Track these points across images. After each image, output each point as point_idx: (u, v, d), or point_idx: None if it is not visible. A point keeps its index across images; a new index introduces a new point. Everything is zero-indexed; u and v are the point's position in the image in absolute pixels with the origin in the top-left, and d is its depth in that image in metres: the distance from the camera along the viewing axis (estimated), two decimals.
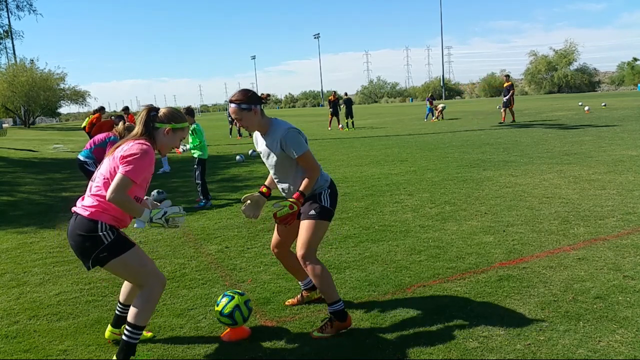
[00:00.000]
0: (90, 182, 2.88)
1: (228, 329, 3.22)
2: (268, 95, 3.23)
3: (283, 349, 3.02)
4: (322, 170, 3.32)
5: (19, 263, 5.08)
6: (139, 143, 2.76)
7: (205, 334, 3.27)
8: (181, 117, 2.95)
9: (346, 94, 24.61)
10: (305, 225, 3.21)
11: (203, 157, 7.49)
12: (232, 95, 3.13)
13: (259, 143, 3.32)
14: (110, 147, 6.79)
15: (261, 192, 3.40)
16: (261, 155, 3.33)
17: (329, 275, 3.20)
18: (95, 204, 2.75)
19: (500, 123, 19.07)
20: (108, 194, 2.66)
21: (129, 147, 2.75)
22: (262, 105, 3.15)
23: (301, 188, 3.13)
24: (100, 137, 7.09)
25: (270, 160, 3.24)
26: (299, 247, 3.19)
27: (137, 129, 2.87)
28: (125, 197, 2.69)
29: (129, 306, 3.09)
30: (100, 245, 2.71)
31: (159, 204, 2.99)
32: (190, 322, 3.45)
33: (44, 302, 3.98)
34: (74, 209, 2.83)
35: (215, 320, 3.43)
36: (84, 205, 2.78)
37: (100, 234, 2.71)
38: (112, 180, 2.70)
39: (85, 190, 2.88)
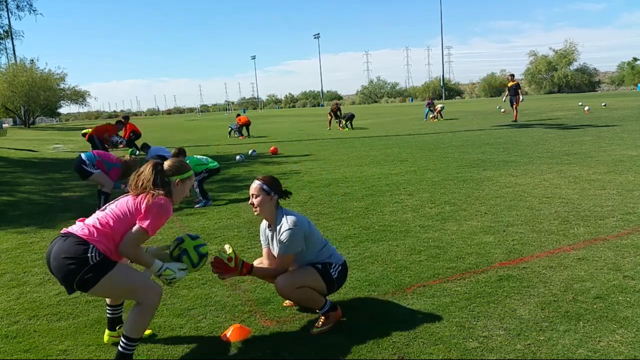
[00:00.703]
0: (98, 211, 2.90)
1: (228, 329, 3.22)
2: (290, 193, 3.36)
3: (283, 349, 3.02)
4: (336, 251, 3.43)
5: (19, 263, 5.08)
6: (160, 197, 2.81)
7: (205, 334, 3.28)
8: (185, 166, 3.05)
9: (338, 106, 25.07)
10: (305, 269, 3.27)
11: (210, 168, 7.52)
12: (262, 175, 3.32)
13: (263, 231, 3.44)
14: (119, 172, 6.73)
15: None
16: (261, 240, 3.45)
17: (308, 291, 3.24)
18: (95, 233, 2.74)
19: (514, 121, 19.52)
20: (121, 246, 2.74)
21: (153, 200, 2.78)
22: (279, 198, 3.29)
23: (254, 268, 3.24)
24: (112, 157, 7.20)
25: (273, 251, 3.35)
26: (284, 282, 3.17)
27: (149, 183, 2.87)
28: (138, 252, 2.81)
29: (118, 306, 3.11)
30: (85, 265, 2.62)
31: (166, 264, 2.98)
32: (190, 322, 3.45)
33: (44, 302, 3.98)
34: (67, 230, 2.79)
35: (215, 320, 3.44)
36: (82, 229, 2.76)
37: (89, 255, 2.65)
38: (124, 221, 2.76)
39: (89, 216, 2.89)
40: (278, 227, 3.21)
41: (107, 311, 3.16)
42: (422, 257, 4.44)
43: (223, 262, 3.12)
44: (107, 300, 3.15)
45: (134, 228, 2.75)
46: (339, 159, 11.79)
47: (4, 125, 35.54)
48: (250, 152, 14.32)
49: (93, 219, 2.83)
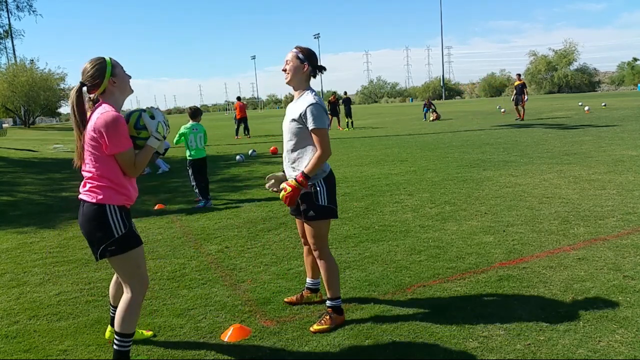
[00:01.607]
0: (83, 165, 2.77)
1: (228, 329, 3.22)
2: (324, 68, 3.27)
3: (283, 349, 3.02)
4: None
5: (19, 263, 5.08)
6: (102, 112, 2.61)
7: (205, 334, 3.28)
8: (102, 62, 2.71)
9: (345, 93, 24.64)
10: (307, 228, 3.27)
11: (190, 158, 7.44)
12: (303, 45, 3.23)
13: (288, 107, 3.34)
14: None
15: (284, 172, 3.41)
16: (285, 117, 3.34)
17: (338, 272, 3.30)
18: (95, 185, 2.67)
19: (517, 119, 20.06)
20: (130, 175, 2.68)
21: (99, 120, 2.58)
22: (312, 71, 3.21)
23: (306, 170, 3.12)
24: None
25: (286, 124, 3.25)
26: (312, 246, 3.30)
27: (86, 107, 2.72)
28: (138, 163, 2.68)
29: None
30: (110, 237, 2.65)
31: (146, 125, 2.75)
32: (190, 322, 3.45)
33: (44, 302, 3.98)
34: (79, 196, 2.76)
35: (215, 320, 3.44)
36: (85, 191, 2.71)
37: (111, 222, 2.64)
38: (105, 161, 2.62)
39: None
40: (301, 99, 3.15)
41: (111, 310, 3.16)
42: (422, 257, 4.44)
43: (287, 196, 3.13)
44: (111, 301, 3.15)
45: (117, 159, 2.64)
46: (339, 159, 11.78)
47: (4, 125, 35.53)
48: (250, 152, 14.32)
49: (87, 179, 2.72)
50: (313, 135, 3.11)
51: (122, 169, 2.68)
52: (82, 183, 2.79)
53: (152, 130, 2.72)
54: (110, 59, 2.75)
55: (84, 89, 2.72)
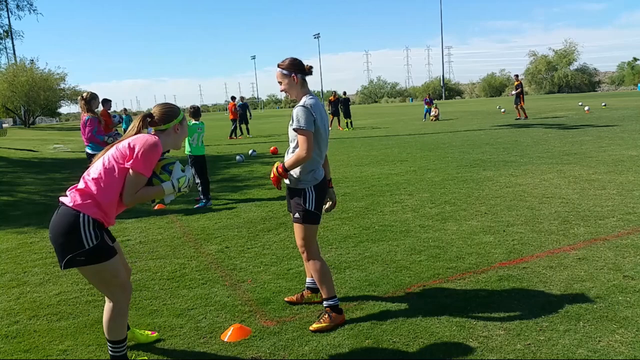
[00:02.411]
0: (87, 171, 2.74)
1: (228, 329, 3.22)
2: (311, 67, 3.33)
3: (283, 349, 3.02)
4: (320, 168, 3.31)
5: (19, 263, 5.08)
6: (150, 134, 2.72)
7: (205, 334, 3.28)
8: (177, 108, 2.93)
9: (345, 94, 24.59)
10: (295, 228, 3.34)
11: (191, 154, 7.46)
12: (281, 60, 3.29)
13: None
14: (90, 125, 6.68)
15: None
16: None
17: (329, 272, 3.32)
18: (83, 189, 2.62)
19: (517, 119, 20.50)
20: (125, 200, 2.64)
21: (138, 139, 2.66)
22: (303, 76, 3.27)
23: (286, 163, 3.21)
24: (82, 123, 7.06)
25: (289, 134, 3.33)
26: (299, 248, 3.35)
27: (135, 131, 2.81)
28: (140, 195, 2.67)
29: None
30: (79, 248, 2.54)
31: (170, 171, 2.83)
32: (190, 322, 3.45)
33: (44, 302, 3.98)
34: (60, 198, 2.68)
35: (215, 320, 3.44)
36: (69, 192, 2.65)
37: (82, 233, 2.54)
38: (113, 172, 2.60)
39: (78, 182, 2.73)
40: (298, 103, 3.23)
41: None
42: (422, 257, 4.44)
43: (272, 178, 3.28)
44: None
45: (128, 175, 2.62)
46: (339, 159, 11.78)
47: (4, 125, 35.57)
48: (250, 152, 14.32)
49: (82, 181, 2.68)
50: (296, 133, 3.16)
51: (124, 189, 2.65)
52: (71, 186, 2.73)
53: (174, 177, 2.77)
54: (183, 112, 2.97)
55: (148, 119, 2.86)
